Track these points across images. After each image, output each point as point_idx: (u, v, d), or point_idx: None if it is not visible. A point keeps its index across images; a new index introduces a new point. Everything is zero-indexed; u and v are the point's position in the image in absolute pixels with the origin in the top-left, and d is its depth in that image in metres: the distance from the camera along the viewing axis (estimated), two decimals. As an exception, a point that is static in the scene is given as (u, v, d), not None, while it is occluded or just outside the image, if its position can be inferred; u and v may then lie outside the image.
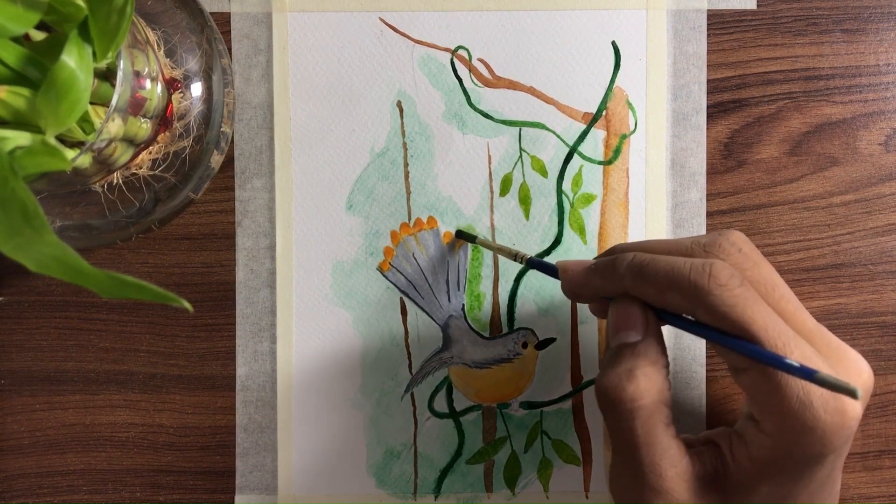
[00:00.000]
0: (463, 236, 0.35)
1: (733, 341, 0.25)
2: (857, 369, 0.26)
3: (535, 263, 0.31)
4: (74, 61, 0.23)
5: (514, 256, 0.32)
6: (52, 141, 0.25)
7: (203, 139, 0.33)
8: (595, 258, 0.29)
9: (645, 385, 0.26)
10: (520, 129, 0.35)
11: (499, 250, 0.33)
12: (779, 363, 0.24)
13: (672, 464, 0.26)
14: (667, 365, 0.27)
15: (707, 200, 0.35)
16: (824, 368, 0.24)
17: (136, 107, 0.29)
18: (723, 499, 0.26)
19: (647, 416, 0.26)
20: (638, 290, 0.27)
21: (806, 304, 0.35)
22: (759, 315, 0.25)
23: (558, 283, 0.35)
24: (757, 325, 0.24)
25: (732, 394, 0.35)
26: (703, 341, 0.35)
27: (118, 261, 0.35)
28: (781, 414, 0.25)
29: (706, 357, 0.35)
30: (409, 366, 0.35)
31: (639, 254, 0.27)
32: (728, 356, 0.27)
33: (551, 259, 0.35)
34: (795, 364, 0.23)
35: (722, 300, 0.25)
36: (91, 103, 0.27)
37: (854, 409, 0.24)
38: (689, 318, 0.27)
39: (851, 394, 0.21)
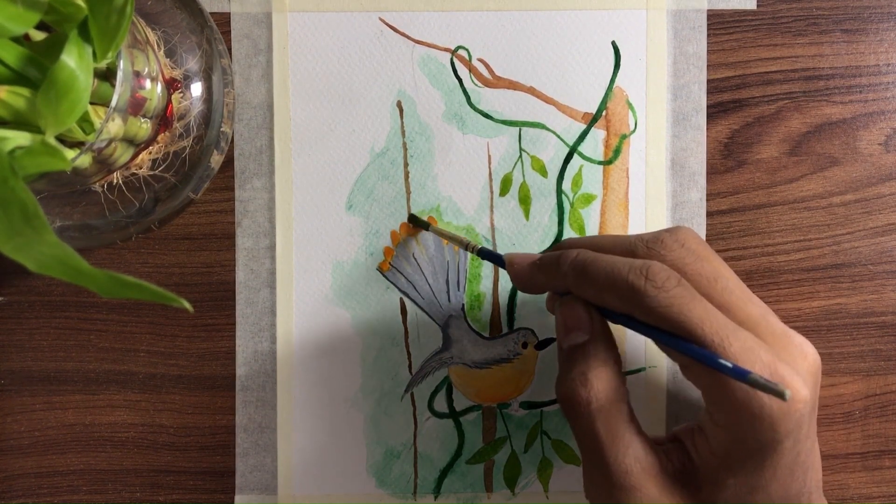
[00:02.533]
0: (416, 222, 0.35)
1: (672, 340, 0.25)
2: (801, 353, 0.26)
3: (486, 254, 0.32)
4: (74, 61, 0.23)
5: (466, 246, 0.32)
6: (52, 141, 0.25)
7: (203, 139, 0.33)
8: (542, 251, 0.30)
9: (598, 386, 0.26)
10: (520, 129, 0.35)
11: (451, 238, 0.33)
12: (712, 363, 0.24)
13: (637, 459, 0.26)
14: (618, 361, 0.27)
15: (707, 200, 0.35)
16: (766, 357, 0.24)
17: (136, 107, 0.29)
18: (693, 495, 0.27)
19: (605, 416, 0.26)
20: (579, 290, 0.27)
21: (806, 304, 0.35)
22: (696, 313, 0.25)
23: (558, 283, 0.35)
24: (692, 323, 0.25)
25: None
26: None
27: (118, 261, 0.35)
28: (729, 405, 0.25)
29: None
30: (409, 366, 0.35)
31: (582, 251, 0.27)
32: (672, 353, 0.27)
33: (551, 259, 0.35)
34: (728, 364, 0.23)
35: (657, 301, 0.25)
36: (91, 103, 0.27)
37: (799, 392, 0.24)
38: (631, 317, 0.27)
39: (780, 395, 0.21)
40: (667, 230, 0.28)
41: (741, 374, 0.23)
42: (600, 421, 0.26)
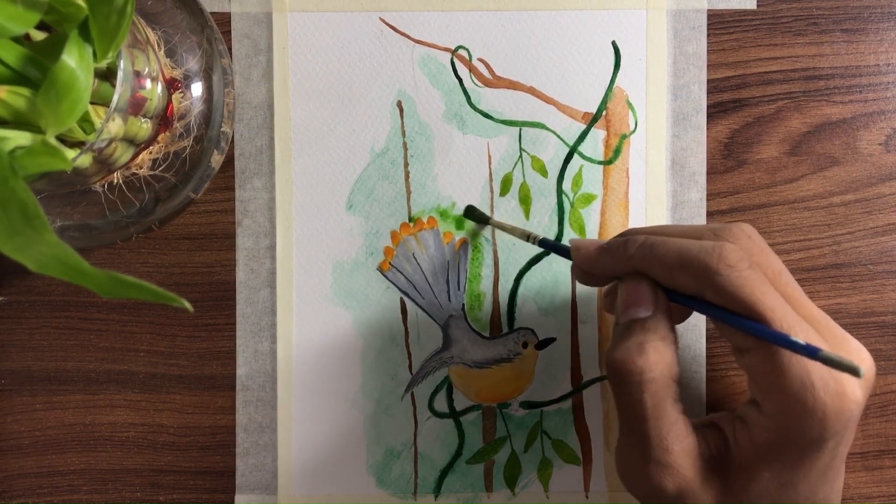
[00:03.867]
0: (473, 216, 0.35)
1: (740, 320, 0.25)
2: (858, 359, 0.26)
3: (548, 244, 0.32)
4: (74, 61, 0.23)
5: (527, 237, 0.32)
6: (53, 141, 0.25)
7: (203, 139, 0.33)
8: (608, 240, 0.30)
9: (655, 358, 0.26)
10: (520, 129, 0.35)
11: (511, 231, 0.34)
12: (784, 341, 0.24)
13: (678, 438, 0.26)
14: (676, 342, 0.27)
15: (707, 200, 0.35)
16: None
17: (136, 107, 0.29)
18: (725, 483, 0.27)
19: (656, 389, 0.26)
20: (648, 270, 0.27)
21: (806, 304, 0.35)
22: (767, 296, 0.25)
23: (558, 282, 0.35)
24: (764, 306, 0.25)
25: (733, 393, 0.35)
26: (704, 342, 0.35)
27: (118, 261, 0.35)
28: (783, 395, 0.25)
29: (706, 357, 0.35)
30: (409, 366, 0.35)
31: (650, 236, 0.27)
32: (733, 336, 0.27)
33: (552, 258, 0.35)
34: (801, 342, 0.23)
35: (730, 280, 0.25)
36: (91, 103, 0.27)
37: (854, 392, 0.25)
38: (696, 298, 0.27)
39: (854, 371, 0.21)
40: (731, 223, 0.28)
41: (812, 352, 0.23)
42: (649, 393, 0.26)
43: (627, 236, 0.28)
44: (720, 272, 0.25)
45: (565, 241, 0.35)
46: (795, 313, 0.25)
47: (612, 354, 0.27)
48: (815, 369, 0.24)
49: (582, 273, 0.30)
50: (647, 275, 0.27)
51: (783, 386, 0.25)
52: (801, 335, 0.24)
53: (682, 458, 0.26)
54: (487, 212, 0.35)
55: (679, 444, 0.26)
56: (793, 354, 0.25)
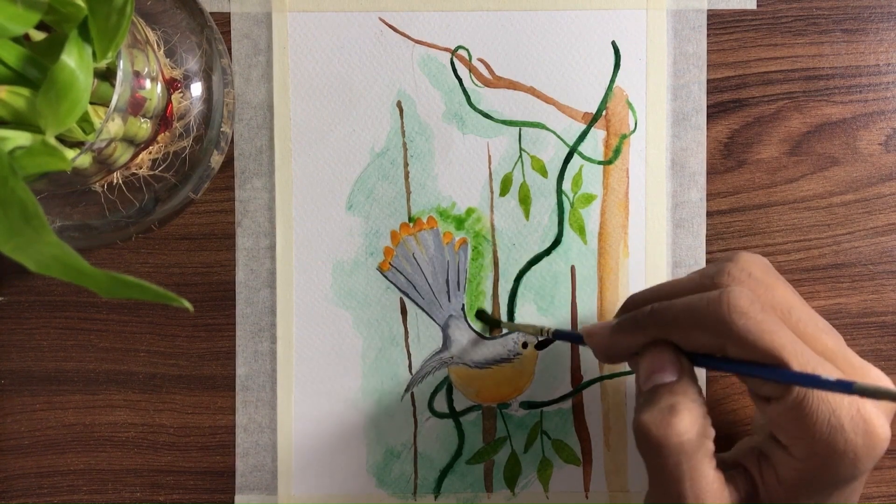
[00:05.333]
0: (485, 319, 0.35)
1: (766, 370, 0.24)
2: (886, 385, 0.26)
3: (562, 335, 0.32)
4: (74, 61, 0.23)
5: (540, 332, 0.32)
6: (52, 141, 0.25)
7: (203, 139, 0.33)
8: (615, 317, 0.29)
9: (689, 420, 0.25)
10: (520, 129, 0.35)
11: (524, 329, 0.34)
12: (816, 382, 0.23)
13: (714, 496, 0.26)
14: (704, 403, 0.27)
15: (707, 200, 0.35)
16: None
17: (136, 107, 0.29)
18: None
19: (692, 450, 0.25)
20: (664, 337, 0.27)
21: (806, 304, 0.35)
22: (787, 340, 0.24)
23: (558, 282, 0.35)
24: (787, 351, 0.24)
25: (732, 394, 0.35)
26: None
27: (118, 261, 0.35)
28: (812, 440, 0.24)
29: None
30: (409, 366, 0.35)
31: (657, 303, 0.27)
32: (759, 387, 0.26)
33: (552, 259, 0.35)
34: (832, 379, 0.23)
35: (747, 329, 0.24)
36: (91, 103, 0.27)
37: (883, 428, 0.24)
38: (718, 356, 0.26)
39: (893, 396, 0.21)
40: (727, 259, 0.27)
41: (846, 386, 0.22)
42: (685, 455, 0.25)
43: (632, 310, 0.28)
44: (735, 322, 0.24)
45: (564, 242, 0.35)
46: (815, 354, 0.25)
47: (642, 419, 0.26)
48: (844, 411, 0.24)
49: (603, 355, 0.29)
50: (667, 341, 0.27)
51: (812, 431, 0.24)
52: (824, 374, 0.24)
53: None
54: (487, 212, 0.35)
55: (716, 501, 0.26)
56: (819, 399, 0.24)
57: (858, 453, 0.24)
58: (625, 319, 0.28)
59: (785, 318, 0.26)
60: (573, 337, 0.31)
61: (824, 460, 0.25)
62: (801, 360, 0.24)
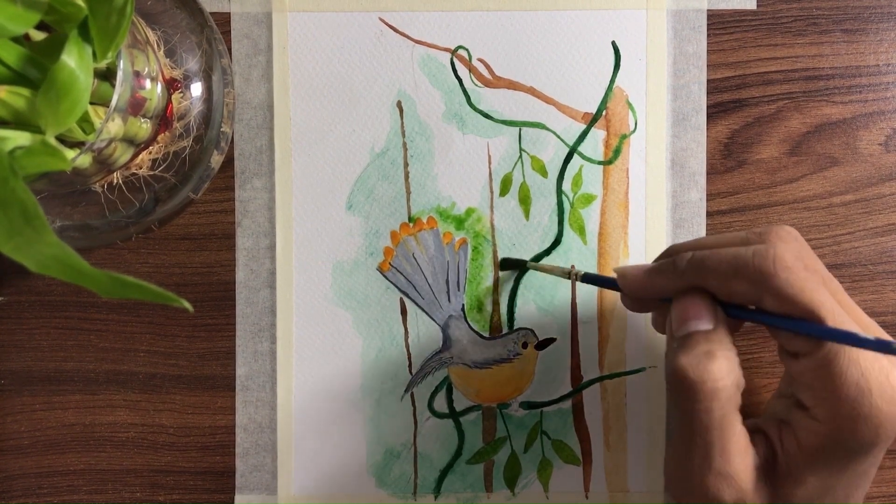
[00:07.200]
0: (510, 265, 0.35)
1: (802, 324, 0.25)
2: None
3: (591, 278, 0.32)
4: (74, 61, 0.23)
5: (567, 274, 0.32)
6: (52, 141, 0.25)
7: (203, 139, 0.33)
8: (654, 262, 0.29)
9: (727, 366, 0.26)
10: (520, 129, 0.35)
11: (550, 271, 0.33)
12: (854, 340, 0.23)
13: (739, 450, 0.26)
14: (737, 354, 0.27)
15: (707, 200, 0.35)
16: (883, 359, 0.24)
17: (136, 107, 0.29)
18: (772, 490, 0.26)
19: (726, 398, 0.25)
20: (702, 284, 0.27)
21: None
22: (826, 299, 0.25)
23: (558, 282, 0.35)
24: (826, 309, 0.24)
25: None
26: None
27: (118, 261, 0.35)
28: (837, 400, 0.25)
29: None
30: (409, 366, 0.35)
31: (699, 250, 0.27)
32: (788, 341, 0.26)
33: (552, 259, 0.35)
34: (871, 338, 0.23)
35: (789, 283, 0.25)
36: (91, 103, 0.27)
37: None
38: (753, 308, 0.27)
39: None
40: (773, 224, 0.28)
41: (885, 346, 0.23)
42: (719, 401, 0.25)
43: (673, 255, 0.28)
44: (778, 275, 0.25)
45: (564, 242, 0.35)
46: (849, 318, 0.25)
47: (677, 362, 0.26)
48: (874, 375, 0.24)
49: (632, 300, 0.29)
50: (702, 289, 0.27)
51: (839, 391, 0.24)
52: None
53: (742, 468, 0.26)
54: (487, 212, 0.35)
55: (740, 455, 0.26)
56: (850, 360, 0.24)
57: (882, 419, 0.24)
58: (663, 263, 0.28)
59: (825, 284, 0.26)
60: (604, 281, 0.31)
61: (847, 424, 0.25)
62: (838, 318, 0.24)
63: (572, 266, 0.32)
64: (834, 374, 0.25)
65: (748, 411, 0.27)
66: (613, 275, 0.30)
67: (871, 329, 0.27)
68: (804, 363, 0.26)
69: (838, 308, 0.25)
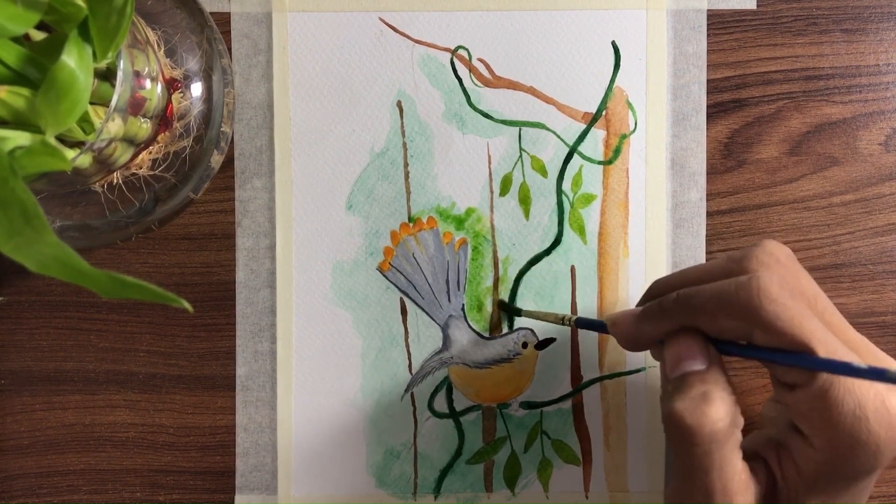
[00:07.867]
0: (506, 308, 0.35)
1: (795, 358, 0.24)
2: None
3: (584, 323, 0.32)
4: (74, 61, 0.23)
5: (561, 320, 0.32)
6: (52, 141, 0.25)
7: (203, 139, 0.33)
8: (638, 304, 0.29)
9: (724, 408, 0.25)
10: (520, 129, 0.35)
11: (545, 318, 0.34)
12: (848, 370, 0.23)
13: (741, 488, 0.25)
14: (734, 392, 0.26)
15: (707, 200, 0.35)
16: (880, 384, 0.24)
17: (136, 107, 0.29)
18: None
19: (723, 440, 0.25)
20: (691, 323, 0.26)
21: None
22: (816, 328, 0.24)
23: (558, 282, 0.35)
24: (816, 339, 0.24)
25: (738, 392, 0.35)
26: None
27: (118, 261, 0.35)
28: (834, 430, 0.24)
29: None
30: (409, 366, 0.35)
31: (683, 289, 0.27)
32: (783, 375, 0.26)
33: (552, 258, 0.35)
34: (864, 366, 0.23)
35: (777, 316, 0.24)
36: (91, 103, 0.27)
37: None
38: (744, 343, 0.26)
39: None
40: (754, 245, 0.27)
41: (879, 374, 0.22)
42: (716, 444, 0.25)
43: (657, 296, 0.27)
44: (765, 307, 0.24)
45: (564, 242, 0.35)
46: (842, 344, 0.25)
47: (674, 407, 0.25)
48: (870, 402, 0.24)
49: (626, 343, 0.29)
50: (694, 327, 0.27)
51: (835, 421, 0.24)
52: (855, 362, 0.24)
53: None
54: (487, 212, 0.35)
55: (742, 494, 0.25)
56: (845, 389, 0.24)
57: (881, 445, 0.24)
58: (650, 307, 0.28)
59: (812, 307, 0.26)
60: (596, 325, 0.31)
61: (845, 451, 0.24)
62: (830, 348, 0.24)
63: (565, 315, 0.32)
64: (830, 405, 0.24)
65: (746, 413, 0.27)
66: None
67: (862, 347, 0.26)
68: (799, 394, 0.25)
69: (830, 336, 0.24)
